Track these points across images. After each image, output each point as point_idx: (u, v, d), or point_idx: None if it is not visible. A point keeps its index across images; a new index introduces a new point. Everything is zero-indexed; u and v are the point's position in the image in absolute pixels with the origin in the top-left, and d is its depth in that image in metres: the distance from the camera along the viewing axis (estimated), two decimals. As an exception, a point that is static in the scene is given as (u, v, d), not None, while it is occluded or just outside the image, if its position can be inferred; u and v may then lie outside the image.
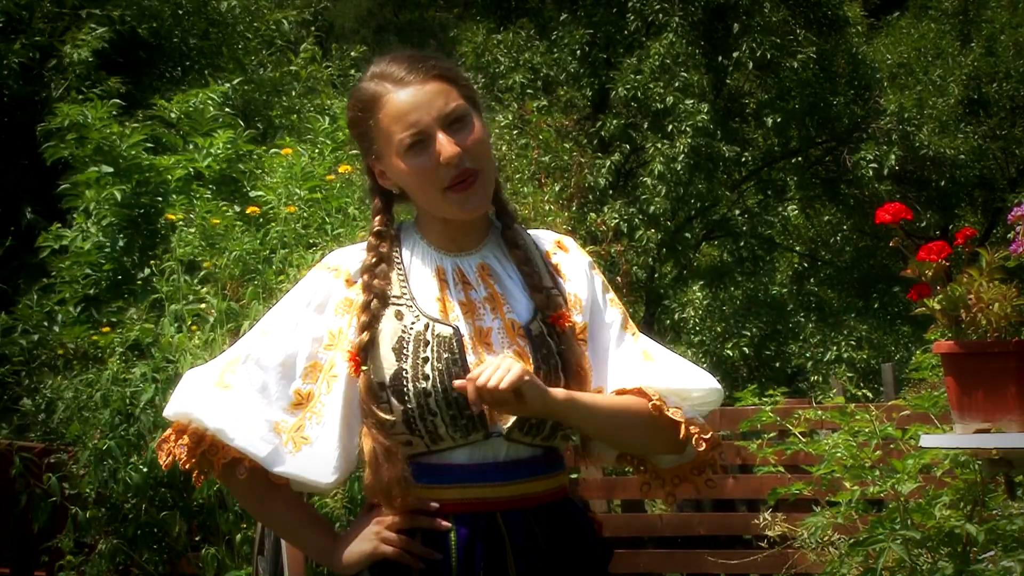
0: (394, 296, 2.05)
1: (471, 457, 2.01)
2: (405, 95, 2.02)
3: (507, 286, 2.08)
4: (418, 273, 2.08)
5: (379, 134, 2.05)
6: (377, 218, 2.12)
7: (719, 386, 2.13)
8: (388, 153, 2.05)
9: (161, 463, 2.10)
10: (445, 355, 1.99)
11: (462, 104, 2.04)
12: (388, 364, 2.01)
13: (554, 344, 2.03)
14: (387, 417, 1.99)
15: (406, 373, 1.99)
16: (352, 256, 2.11)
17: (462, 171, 2.01)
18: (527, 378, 1.93)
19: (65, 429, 5.04)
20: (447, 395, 1.98)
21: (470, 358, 2.00)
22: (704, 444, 2.07)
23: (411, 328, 2.02)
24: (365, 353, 2.02)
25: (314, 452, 2.04)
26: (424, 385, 1.98)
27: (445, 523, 2.00)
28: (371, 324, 2.03)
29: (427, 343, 2.00)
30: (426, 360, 1.99)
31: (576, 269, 2.14)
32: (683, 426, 2.06)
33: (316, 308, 2.08)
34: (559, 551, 2.05)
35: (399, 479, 1.99)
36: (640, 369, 2.11)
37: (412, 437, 2.02)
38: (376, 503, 2.08)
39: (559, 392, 2.00)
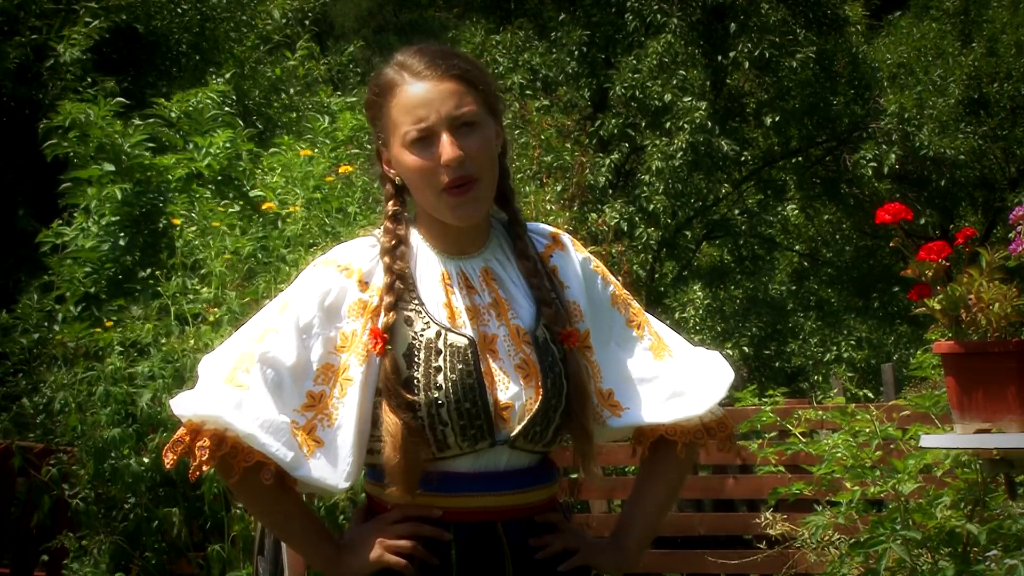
0: (401, 302, 2.02)
1: (473, 466, 2.00)
2: (418, 88, 2.00)
3: (511, 291, 2.06)
4: (424, 277, 2.05)
5: (389, 122, 2.03)
6: (390, 202, 2.09)
7: (727, 371, 2.17)
8: (394, 142, 2.03)
9: (166, 463, 2.02)
10: (459, 365, 1.96)
11: (475, 110, 2.01)
12: (401, 372, 1.98)
13: (557, 351, 2.03)
14: (412, 398, 1.96)
15: (417, 382, 1.97)
16: (362, 253, 2.06)
17: (460, 176, 1.98)
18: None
19: (64, 421, 5.03)
20: (459, 405, 1.96)
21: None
22: (721, 442, 2.19)
23: (421, 335, 1.99)
24: (391, 333, 1.99)
25: (327, 455, 2.00)
26: (436, 395, 1.96)
27: (447, 533, 1.99)
28: (396, 305, 2.00)
29: (439, 352, 1.98)
30: (439, 370, 1.96)
31: (573, 272, 2.12)
32: (706, 445, 2.18)
33: (329, 308, 2.02)
34: (552, 561, 2.05)
35: (421, 462, 1.97)
36: (648, 374, 2.13)
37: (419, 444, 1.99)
38: (374, 507, 2.07)
39: (631, 548, 2.13)
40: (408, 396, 1.96)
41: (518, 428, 1.98)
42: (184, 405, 1.99)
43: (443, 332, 1.99)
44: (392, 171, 2.07)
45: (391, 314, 1.99)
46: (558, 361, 2.02)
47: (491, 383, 1.99)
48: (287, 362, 2.00)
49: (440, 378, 1.96)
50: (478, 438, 1.98)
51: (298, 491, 2.07)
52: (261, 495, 2.04)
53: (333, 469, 1.99)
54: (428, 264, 2.07)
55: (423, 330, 2.00)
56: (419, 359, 1.98)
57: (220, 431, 1.96)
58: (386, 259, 2.04)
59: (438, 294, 2.03)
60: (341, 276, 2.04)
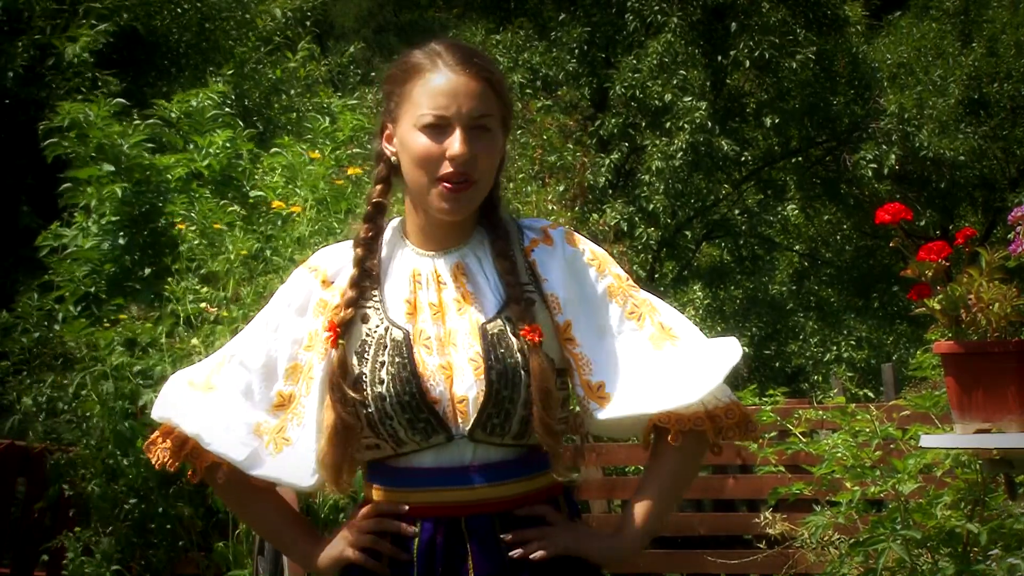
0: (362, 299, 2.05)
1: (437, 460, 2.00)
2: (447, 78, 2.01)
3: (479, 284, 2.06)
4: (393, 273, 2.08)
5: (407, 99, 2.03)
6: (378, 187, 2.11)
7: (734, 349, 2.07)
8: (405, 120, 2.03)
9: (153, 463, 2.14)
10: (397, 359, 1.99)
11: (493, 116, 2.03)
12: (351, 368, 2.02)
13: (517, 343, 2.00)
14: (354, 395, 1.99)
15: (365, 377, 2.00)
16: (333, 256, 2.12)
17: (459, 173, 2.00)
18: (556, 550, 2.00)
19: (74, 417, 5.04)
20: (400, 399, 1.97)
21: (433, 360, 1.99)
22: (731, 430, 2.07)
23: (374, 331, 2.02)
24: (346, 327, 2.03)
25: (295, 453, 2.05)
26: (380, 389, 1.98)
27: (411, 528, 2.00)
28: (357, 301, 2.04)
29: (385, 347, 2.00)
30: (383, 364, 1.99)
31: (555, 265, 2.09)
32: (709, 433, 2.05)
33: (297, 309, 2.10)
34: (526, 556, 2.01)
35: (351, 458, 2.01)
36: (643, 364, 2.07)
37: (378, 440, 2.01)
38: (364, 500, 2.09)
39: (628, 538, 2.06)
40: (352, 393, 1.99)
41: (472, 421, 1.98)
42: (154, 407, 2.14)
43: (390, 327, 2.02)
44: (391, 148, 2.08)
45: (349, 310, 2.04)
46: (515, 353, 1.99)
47: (448, 377, 1.99)
48: (257, 364, 2.10)
49: (383, 372, 1.99)
50: (429, 432, 1.98)
51: (276, 489, 2.13)
52: (228, 493, 2.16)
53: (299, 467, 2.06)
54: (401, 260, 2.09)
55: (377, 326, 2.03)
56: (368, 355, 2.01)
57: (183, 434, 2.09)
58: (358, 250, 2.07)
59: (403, 290, 2.05)
60: (310, 276, 2.12)
